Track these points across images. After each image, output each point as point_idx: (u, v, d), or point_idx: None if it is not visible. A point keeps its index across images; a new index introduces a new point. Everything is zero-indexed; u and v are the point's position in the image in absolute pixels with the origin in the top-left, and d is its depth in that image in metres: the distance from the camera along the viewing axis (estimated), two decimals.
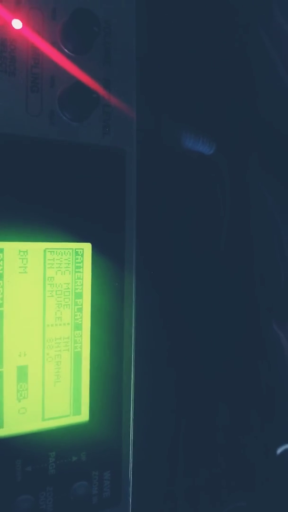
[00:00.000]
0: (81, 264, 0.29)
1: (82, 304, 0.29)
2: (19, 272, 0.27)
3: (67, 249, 0.28)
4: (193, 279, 0.33)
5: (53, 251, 0.28)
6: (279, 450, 0.43)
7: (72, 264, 0.29)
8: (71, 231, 0.28)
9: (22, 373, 0.27)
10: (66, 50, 0.27)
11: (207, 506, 0.38)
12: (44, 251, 0.28)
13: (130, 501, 0.31)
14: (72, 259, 0.29)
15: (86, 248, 0.29)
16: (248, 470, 0.41)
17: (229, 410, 0.38)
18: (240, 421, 0.39)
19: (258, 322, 0.39)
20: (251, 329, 0.38)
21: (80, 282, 0.29)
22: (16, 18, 0.26)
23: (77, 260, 0.29)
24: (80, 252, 0.29)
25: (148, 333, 0.31)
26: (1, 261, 0.26)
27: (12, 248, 0.27)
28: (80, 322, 0.29)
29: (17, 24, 0.26)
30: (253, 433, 0.41)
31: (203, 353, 0.34)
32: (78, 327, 0.29)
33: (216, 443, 0.38)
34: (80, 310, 0.29)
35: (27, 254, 0.27)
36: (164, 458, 0.34)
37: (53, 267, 0.28)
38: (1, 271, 0.26)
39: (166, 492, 0.35)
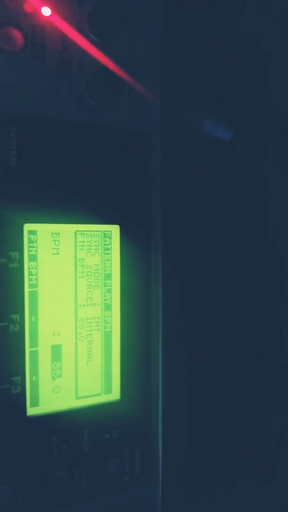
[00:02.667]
0: (109, 246, 0.29)
1: (111, 285, 0.30)
2: (52, 254, 0.28)
3: (97, 231, 0.29)
4: (216, 260, 0.34)
5: (84, 233, 0.29)
6: None
7: (101, 245, 0.29)
8: (100, 214, 0.29)
9: (56, 352, 0.28)
10: (92, 37, 0.28)
11: (224, 489, 0.39)
12: (75, 233, 0.28)
13: (160, 480, 0.32)
14: (101, 241, 0.29)
15: (114, 230, 0.29)
16: (264, 455, 0.41)
17: (246, 394, 0.39)
18: (257, 405, 0.40)
19: (276, 308, 0.39)
20: (268, 313, 0.39)
21: (109, 263, 0.30)
22: (45, 5, 0.26)
23: (105, 242, 0.29)
24: (109, 234, 0.29)
25: (174, 312, 0.32)
26: (35, 243, 0.27)
27: (45, 230, 0.27)
28: (110, 302, 0.30)
29: (46, 11, 0.26)
30: (269, 418, 0.41)
31: (226, 331, 0.35)
32: (108, 307, 0.30)
33: (234, 427, 0.39)
34: (109, 291, 0.30)
35: (59, 236, 0.28)
36: (188, 439, 0.35)
37: (84, 249, 0.29)
38: (35, 252, 0.27)
39: (190, 473, 0.36)
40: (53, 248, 0.28)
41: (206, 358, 0.34)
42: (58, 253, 0.28)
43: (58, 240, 0.28)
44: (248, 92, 0.35)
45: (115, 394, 0.30)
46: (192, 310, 0.33)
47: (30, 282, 0.27)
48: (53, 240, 0.28)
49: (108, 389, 0.30)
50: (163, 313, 0.31)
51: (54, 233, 0.28)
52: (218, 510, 0.36)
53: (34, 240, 0.27)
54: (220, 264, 0.34)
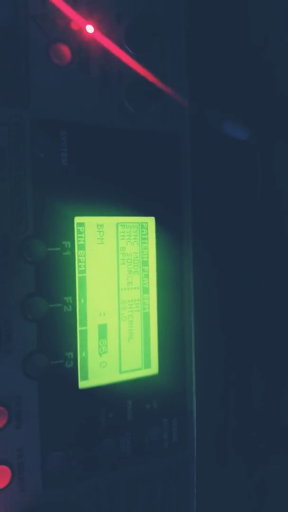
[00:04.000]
0: (146, 236, 0.33)
1: (148, 271, 0.33)
2: (97, 243, 0.31)
3: (135, 222, 0.33)
4: (242, 246, 0.37)
5: (124, 225, 0.32)
6: None
7: (139, 235, 0.33)
8: (137, 207, 0.32)
9: (103, 331, 0.31)
10: (129, 50, 0.31)
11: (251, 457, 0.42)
12: (117, 224, 0.32)
13: (195, 446, 0.35)
14: (139, 231, 0.33)
15: (150, 221, 0.33)
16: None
17: (267, 373, 0.42)
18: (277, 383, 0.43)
19: None
20: None
21: (146, 251, 0.33)
22: (89, 23, 0.30)
23: (143, 232, 0.33)
24: (145, 225, 0.33)
25: (205, 294, 0.35)
26: (83, 234, 0.31)
27: (91, 222, 0.31)
28: (147, 286, 0.33)
29: (90, 28, 0.30)
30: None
31: (252, 314, 0.38)
32: (145, 291, 0.33)
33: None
34: (147, 276, 0.33)
35: (103, 227, 0.31)
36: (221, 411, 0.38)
37: (124, 239, 0.32)
38: (84, 242, 0.31)
39: (222, 442, 0.39)
40: (98, 238, 0.31)
41: (237, 335, 0.38)
42: (102, 243, 0.31)
43: (103, 231, 0.31)
44: (265, 94, 0.38)
45: (153, 369, 0.33)
46: (222, 292, 0.37)
47: (79, 268, 0.31)
48: (98, 231, 0.31)
49: (147, 364, 0.33)
50: (195, 295, 0.34)
51: (99, 225, 0.31)
52: (245, 474, 0.39)
53: (82, 231, 0.31)
54: (245, 250, 0.37)
